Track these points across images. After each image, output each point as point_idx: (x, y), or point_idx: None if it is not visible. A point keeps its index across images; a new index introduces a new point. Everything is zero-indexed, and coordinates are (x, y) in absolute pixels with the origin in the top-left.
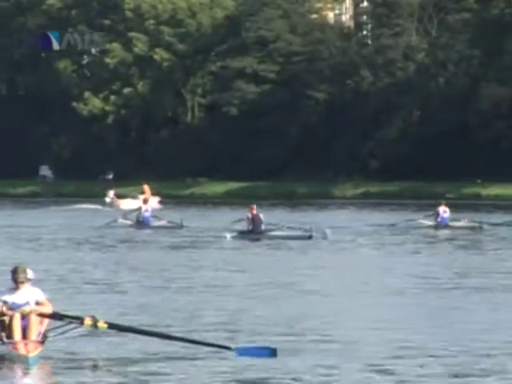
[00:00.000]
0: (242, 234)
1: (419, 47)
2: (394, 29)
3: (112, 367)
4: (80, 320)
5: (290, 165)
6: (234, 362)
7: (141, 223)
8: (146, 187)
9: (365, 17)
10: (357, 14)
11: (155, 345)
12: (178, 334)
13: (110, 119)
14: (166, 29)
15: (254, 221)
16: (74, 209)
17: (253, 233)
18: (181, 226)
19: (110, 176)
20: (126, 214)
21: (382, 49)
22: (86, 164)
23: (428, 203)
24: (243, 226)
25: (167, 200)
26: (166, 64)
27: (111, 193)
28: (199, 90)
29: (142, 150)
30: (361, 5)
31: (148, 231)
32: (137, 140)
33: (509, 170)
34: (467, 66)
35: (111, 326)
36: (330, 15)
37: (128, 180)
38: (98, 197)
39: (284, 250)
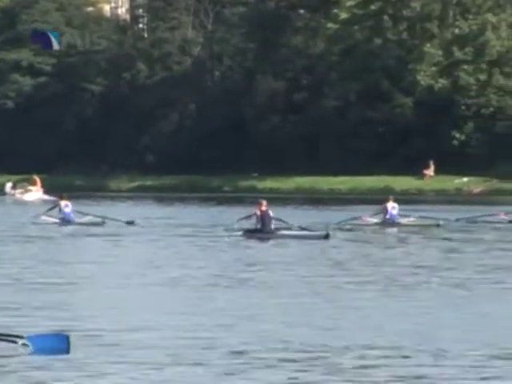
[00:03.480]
0: (250, 233)
1: (195, 41)
2: (170, 22)
3: None
4: None
5: (67, 158)
6: None
7: (63, 220)
8: (36, 179)
9: (141, 10)
10: (133, 7)
11: None
12: None
13: None
14: None
15: (263, 218)
16: None
17: (262, 232)
18: (103, 223)
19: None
20: (47, 211)
21: (157, 42)
22: None
23: (207, 196)
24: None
25: None
26: None
27: (9, 185)
28: None
29: None
30: None
31: (71, 227)
32: None
33: (284, 164)
34: (243, 60)
35: None
36: (106, 8)
37: None
38: None
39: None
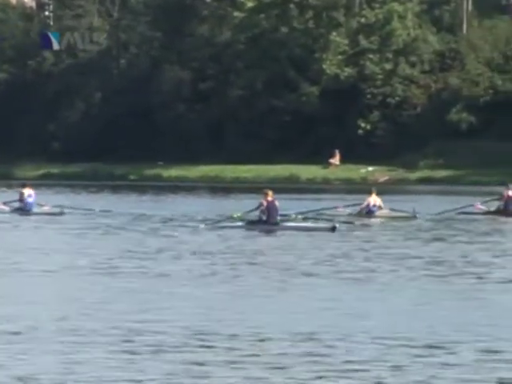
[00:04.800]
0: (253, 225)
1: (101, 29)
2: (76, 10)
3: None
4: None
5: None
6: None
7: (22, 209)
8: None
9: None
10: None
11: None
12: None
13: None
14: None
15: (269, 209)
16: None
17: (267, 223)
18: (61, 213)
19: None
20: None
21: (63, 30)
22: None
23: (113, 184)
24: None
25: None
26: None
27: None
28: None
29: None
30: None
31: (30, 218)
32: None
33: (189, 152)
34: (149, 48)
35: None
36: None
37: None
38: None
39: None
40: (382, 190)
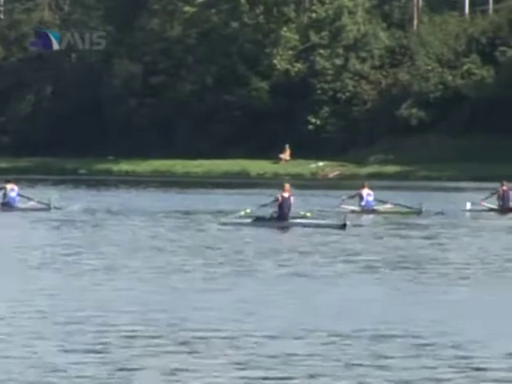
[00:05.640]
0: (264, 221)
1: (52, 23)
2: (27, 4)
3: None
4: None
5: None
6: None
7: (5, 204)
8: None
9: None
10: None
11: None
12: None
13: None
14: None
15: (282, 206)
16: None
17: (278, 219)
18: (49, 208)
19: None
20: None
21: (14, 24)
22: None
23: (62, 179)
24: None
25: None
26: None
27: None
28: None
29: None
30: None
31: (14, 213)
32: None
33: (140, 147)
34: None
35: None
36: None
37: None
38: None
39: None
40: (332, 185)
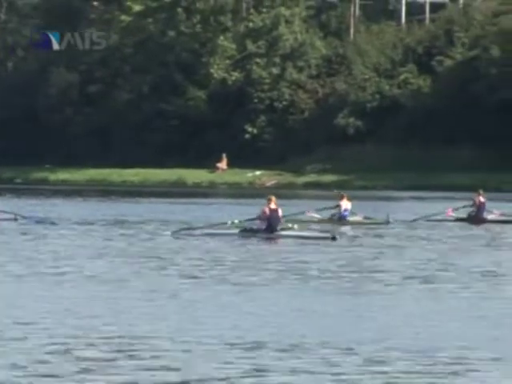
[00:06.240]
0: (251, 232)
1: None
2: None
3: None
4: None
5: None
6: None
7: None
8: None
9: None
10: None
11: None
12: None
13: None
14: None
15: (271, 219)
16: None
17: (266, 231)
18: (15, 219)
19: None
20: None
21: None
22: None
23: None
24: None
25: None
26: None
27: None
28: None
29: None
30: None
31: None
32: None
33: (77, 155)
34: (36, 51)
35: None
36: None
37: None
38: None
39: None
40: (270, 194)
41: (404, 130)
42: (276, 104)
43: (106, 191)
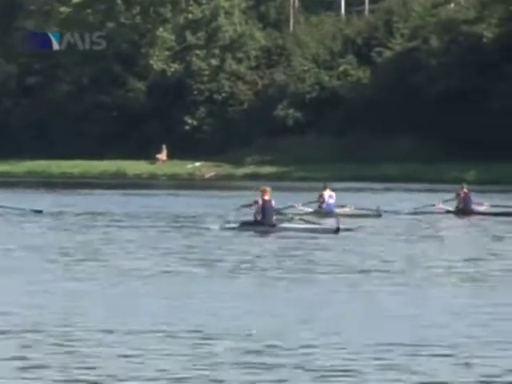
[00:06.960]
0: (247, 226)
1: None
2: None
3: None
4: None
5: None
6: None
7: None
8: None
9: None
10: None
11: None
12: None
13: None
14: None
15: (265, 210)
16: None
17: (263, 224)
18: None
19: None
20: None
21: None
22: None
23: None
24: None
25: None
26: None
27: None
28: None
29: None
30: None
31: None
32: None
33: (16, 147)
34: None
35: None
36: None
37: None
38: None
39: None
40: (209, 186)
41: (343, 121)
42: (215, 96)
43: (45, 183)
